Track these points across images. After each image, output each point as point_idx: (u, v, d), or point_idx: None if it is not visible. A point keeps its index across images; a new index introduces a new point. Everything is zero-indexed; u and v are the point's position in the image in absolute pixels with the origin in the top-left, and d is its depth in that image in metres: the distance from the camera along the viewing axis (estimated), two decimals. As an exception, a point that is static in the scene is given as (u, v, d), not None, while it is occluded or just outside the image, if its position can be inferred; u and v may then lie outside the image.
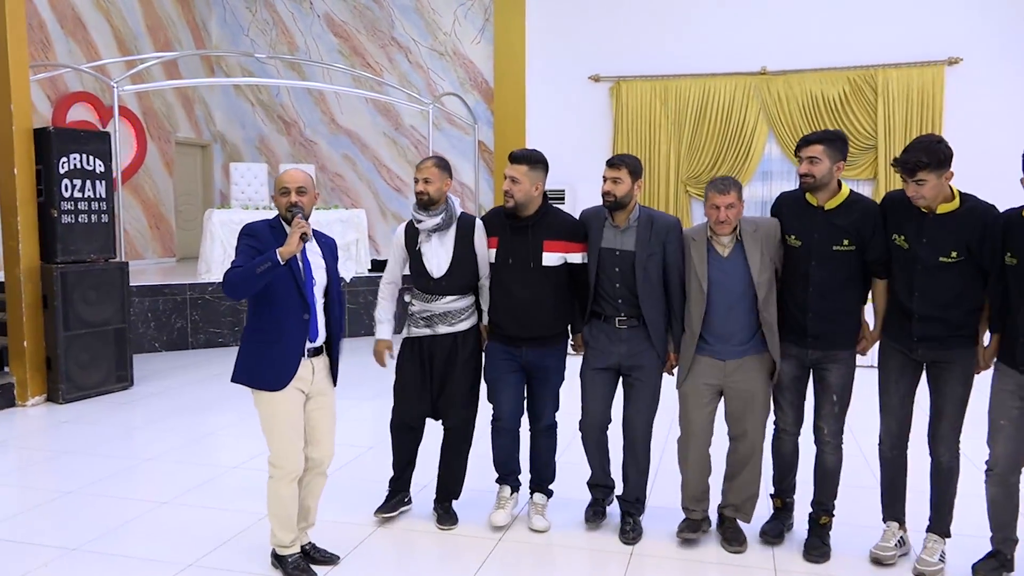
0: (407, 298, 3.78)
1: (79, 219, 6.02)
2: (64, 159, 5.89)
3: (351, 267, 9.04)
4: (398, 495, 3.83)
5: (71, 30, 9.45)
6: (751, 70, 9.79)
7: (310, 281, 3.12)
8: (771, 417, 3.60)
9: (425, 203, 3.57)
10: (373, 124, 11.38)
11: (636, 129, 10.20)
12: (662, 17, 10.07)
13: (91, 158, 6.07)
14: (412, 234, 3.68)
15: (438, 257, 3.58)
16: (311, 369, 3.19)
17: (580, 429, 3.72)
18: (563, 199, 10.08)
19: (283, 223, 3.14)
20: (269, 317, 3.10)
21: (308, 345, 3.15)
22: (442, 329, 3.59)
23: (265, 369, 3.09)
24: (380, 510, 3.79)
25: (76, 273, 5.96)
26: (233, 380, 3.15)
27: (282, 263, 2.95)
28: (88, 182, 6.07)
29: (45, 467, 4.63)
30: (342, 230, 8.96)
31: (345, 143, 11.48)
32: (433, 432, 3.82)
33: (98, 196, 6.15)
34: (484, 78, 10.92)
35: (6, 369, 5.99)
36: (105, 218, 6.21)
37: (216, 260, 8.32)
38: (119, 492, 4.16)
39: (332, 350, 3.30)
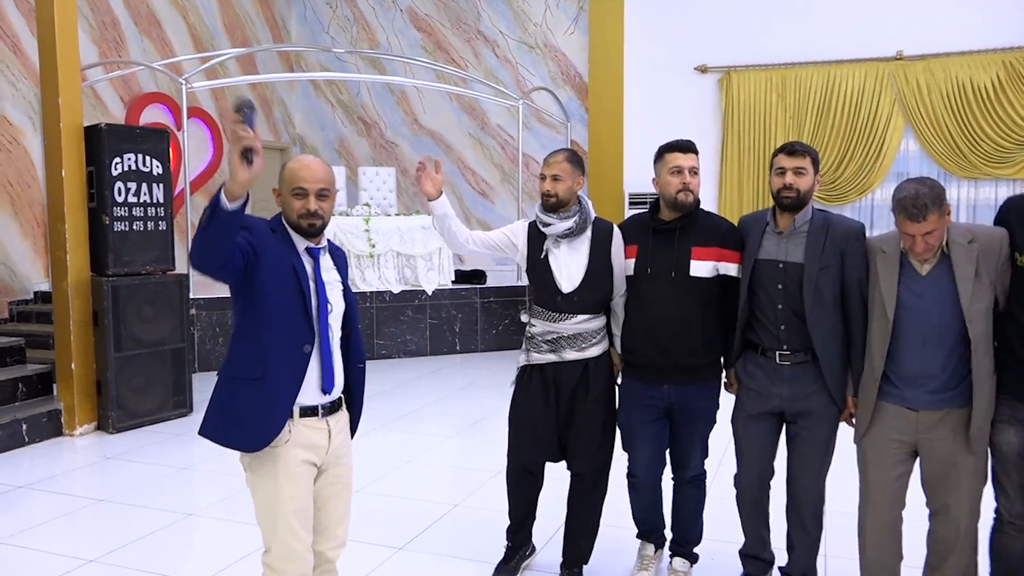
0: (523, 317, 3.18)
1: (134, 226, 5.40)
2: (117, 159, 5.28)
3: (434, 278, 8.26)
4: (519, 550, 3.32)
5: (145, 28, 9.03)
6: (884, 55, 8.61)
7: (324, 305, 2.31)
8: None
9: (553, 205, 3.03)
10: (458, 124, 10.62)
11: (749, 125, 9.13)
12: (779, -2, 8.97)
13: (147, 158, 5.45)
14: (536, 238, 3.11)
15: (568, 268, 3.03)
16: (326, 433, 2.35)
17: (735, 486, 3.09)
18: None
19: (288, 229, 2.33)
20: (252, 342, 2.25)
21: (322, 399, 2.33)
22: (570, 355, 3.02)
23: (238, 418, 2.25)
24: (500, 571, 3.27)
25: (130, 287, 5.34)
26: (201, 433, 2.34)
27: (227, 204, 2.01)
28: (144, 185, 5.44)
29: (81, 521, 3.98)
30: (423, 238, 8.19)
31: (428, 144, 10.76)
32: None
33: (155, 200, 5.52)
34: (578, 72, 10.02)
35: (53, 393, 5.41)
36: (163, 225, 5.58)
37: (289, 270, 7.66)
38: (157, 558, 3.43)
39: (354, 404, 2.48)
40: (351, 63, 10.89)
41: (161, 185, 5.55)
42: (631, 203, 9.41)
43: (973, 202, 8.55)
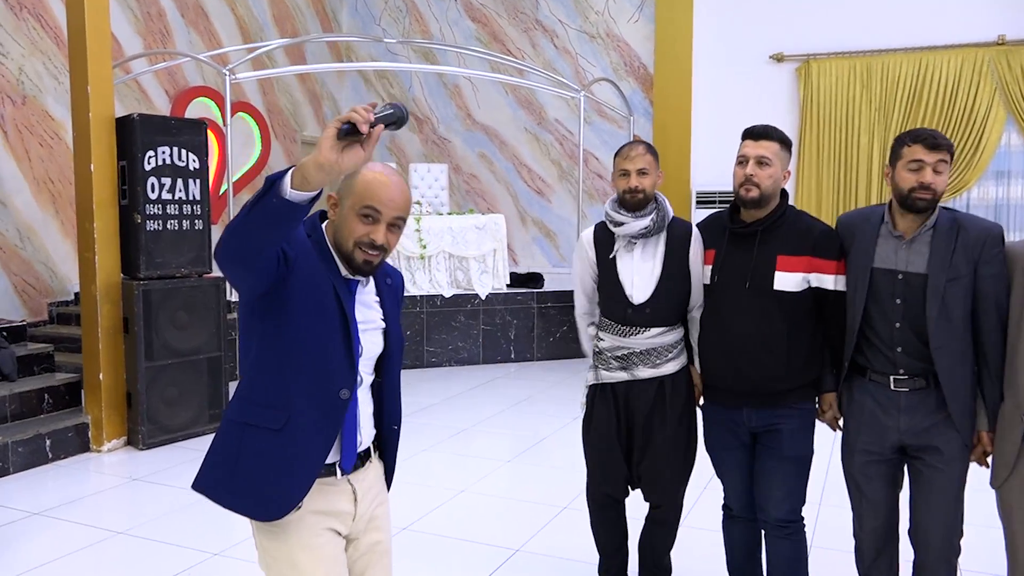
0: (591, 331, 2.91)
1: (168, 225, 5.00)
2: (151, 153, 4.89)
3: (488, 281, 7.75)
4: None
5: (192, 19, 8.71)
6: (984, 40, 7.83)
7: (356, 345, 1.79)
8: None
9: (640, 203, 2.69)
10: (514, 118, 10.10)
11: (830, 117, 8.43)
12: (865, -20, 8.23)
13: (183, 152, 5.04)
14: (604, 243, 2.79)
15: (641, 275, 2.71)
16: (351, 495, 1.84)
17: (855, 536, 2.60)
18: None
19: (329, 245, 1.80)
20: (273, 380, 1.74)
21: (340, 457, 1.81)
22: (643, 372, 2.71)
23: (249, 477, 1.75)
24: None
25: (163, 291, 4.94)
26: (195, 487, 1.83)
27: (288, 190, 1.45)
28: (179, 180, 5.04)
29: (98, 558, 3.56)
30: (478, 238, 7.68)
31: (482, 140, 10.27)
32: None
33: (191, 198, 5.12)
34: (642, 62, 9.40)
35: (81, 405, 5.05)
36: (199, 224, 5.17)
37: (335, 273, 7.24)
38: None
39: (388, 453, 1.97)
40: (403, 55, 10.46)
41: (198, 181, 5.14)
42: (699, 202, 8.78)
43: (1086, 202, 7.71)
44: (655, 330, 2.68)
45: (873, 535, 2.55)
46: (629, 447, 2.78)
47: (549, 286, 8.12)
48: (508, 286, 7.95)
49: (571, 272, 3.02)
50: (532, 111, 10.00)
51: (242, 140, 8.49)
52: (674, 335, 2.73)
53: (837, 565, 3.14)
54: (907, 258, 2.40)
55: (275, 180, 1.45)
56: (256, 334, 1.77)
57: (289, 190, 1.45)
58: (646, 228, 2.67)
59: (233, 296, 6.62)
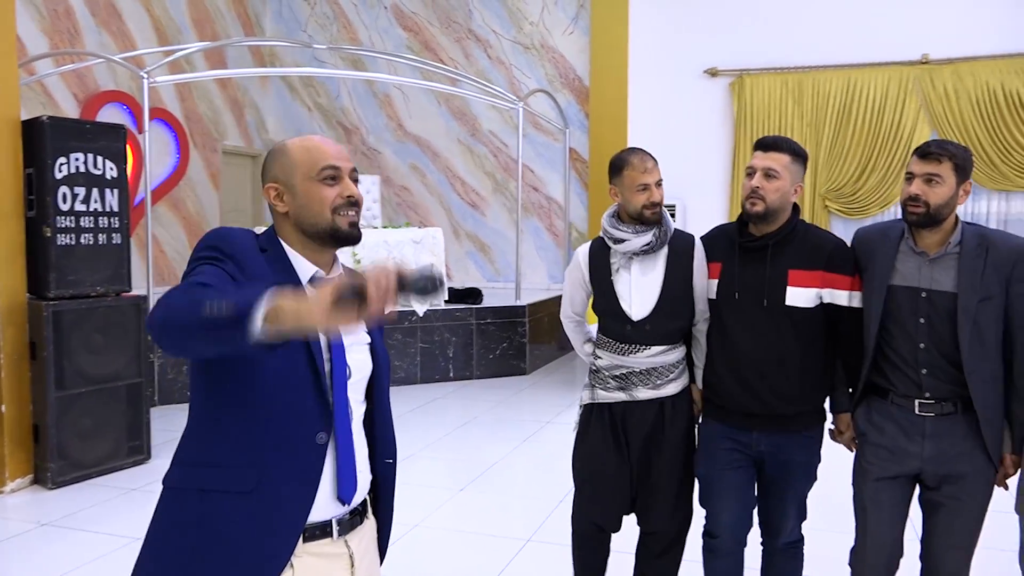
0: (588, 347, 2.78)
1: (82, 240, 4.53)
2: (63, 160, 4.42)
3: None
4: None
5: (104, 19, 8.14)
6: (909, 59, 8.05)
7: (341, 371, 1.52)
8: None
9: (660, 218, 2.57)
10: (447, 129, 9.84)
11: (763, 131, 8.49)
12: (796, -3, 8.36)
13: (99, 159, 4.59)
14: (601, 259, 2.66)
15: (640, 291, 2.57)
16: (347, 561, 1.54)
17: (851, 565, 2.50)
18: (672, 215, 8.38)
19: (288, 250, 1.55)
20: (234, 435, 1.44)
21: (338, 511, 1.53)
22: (642, 393, 2.57)
23: (213, 554, 1.41)
24: None
25: (76, 312, 4.47)
26: None
27: (258, 328, 1.16)
28: (95, 190, 4.58)
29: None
30: (414, 253, 7.38)
31: (414, 152, 9.97)
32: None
33: (108, 209, 4.67)
34: (577, 75, 9.31)
35: (-19, 440, 4.52)
36: (117, 238, 4.71)
37: (263, 289, 6.81)
38: None
39: (382, 510, 1.68)
40: (330, 62, 10.08)
41: (116, 191, 4.69)
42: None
43: (1005, 216, 7.98)
44: (656, 348, 2.56)
45: (877, 565, 2.43)
46: (629, 473, 2.61)
47: (487, 301, 7.89)
48: (447, 302, 7.67)
49: (563, 287, 2.85)
50: (466, 122, 9.78)
51: (158, 149, 7.96)
52: (676, 354, 2.60)
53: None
54: (931, 276, 2.29)
55: (246, 312, 1.16)
56: (202, 384, 1.47)
57: (259, 328, 1.16)
58: (648, 244, 2.54)
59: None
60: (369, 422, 1.62)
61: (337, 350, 1.51)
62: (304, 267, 1.55)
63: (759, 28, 8.46)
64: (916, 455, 2.31)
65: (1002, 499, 2.39)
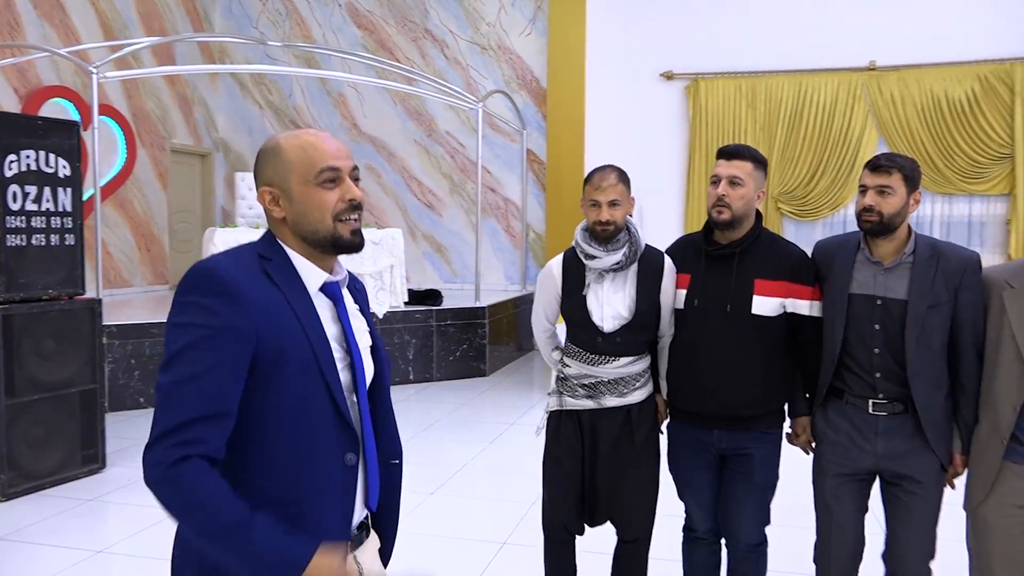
0: (556, 355, 2.79)
1: (33, 240, 4.35)
2: (13, 157, 4.24)
3: (385, 299, 7.36)
4: None
5: (46, 12, 7.84)
6: (857, 65, 8.28)
7: (361, 377, 1.48)
8: None
9: (610, 235, 2.56)
10: (403, 129, 9.76)
11: (717, 135, 8.64)
12: (748, 3, 8.52)
13: (51, 156, 4.41)
14: (574, 272, 2.67)
15: (612, 306, 2.60)
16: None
17: (816, 562, 2.59)
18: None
19: (295, 257, 1.46)
20: (261, 479, 1.37)
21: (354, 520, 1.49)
22: (610, 401, 2.61)
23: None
24: None
25: (27, 315, 4.28)
26: None
27: None
28: (47, 189, 4.40)
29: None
30: (373, 254, 7.29)
31: (369, 152, 9.86)
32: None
33: (61, 209, 4.49)
34: (535, 76, 9.33)
35: (-75, 451, 4.30)
36: (70, 239, 4.54)
37: (219, 292, 6.63)
38: None
39: (388, 520, 1.64)
40: (283, 60, 9.90)
41: (69, 190, 4.51)
42: (594, 217, 8.75)
43: (948, 219, 8.26)
44: (625, 359, 2.60)
45: (841, 560, 2.54)
46: (592, 478, 2.65)
47: (447, 303, 7.84)
48: (406, 303, 7.60)
49: (535, 297, 2.84)
50: (422, 122, 9.71)
51: (104, 147, 7.71)
52: (642, 364, 2.66)
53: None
54: (886, 284, 2.40)
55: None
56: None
57: None
58: (618, 263, 2.57)
59: (114, 320, 5.91)
60: (372, 423, 1.57)
61: (355, 353, 1.47)
62: (312, 274, 1.46)
63: (714, 33, 8.60)
64: (870, 452, 2.43)
65: (958, 494, 2.48)
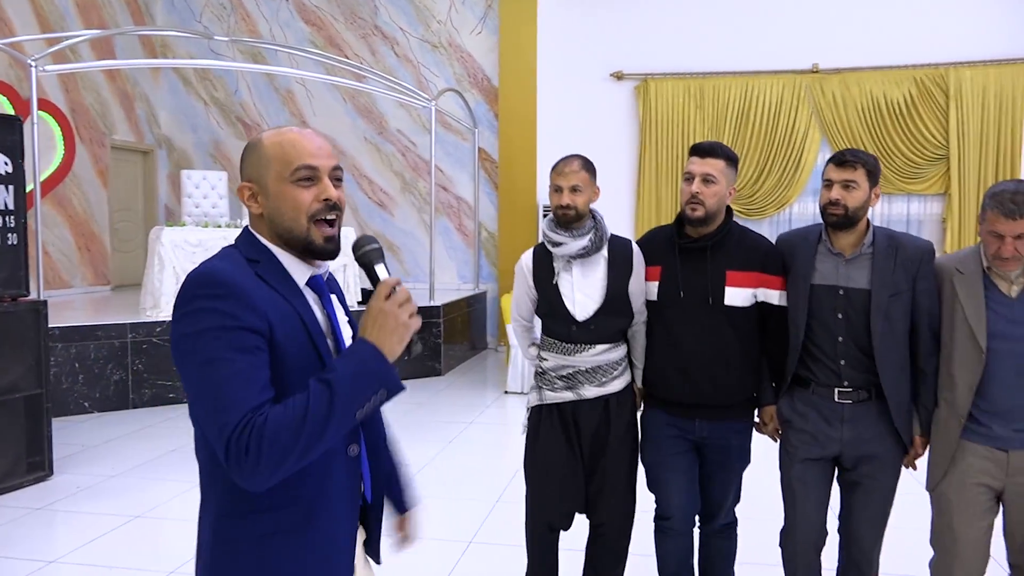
0: (533, 351, 2.83)
1: (-27, 240, 4.18)
2: (-49, 154, 4.06)
3: (337, 299, 7.25)
4: None
5: (-22, 2, 7.53)
6: (801, 68, 8.49)
7: None
8: None
9: (571, 219, 2.63)
10: (353, 127, 9.65)
11: (666, 135, 8.77)
12: (696, 5, 8.66)
13: (-7, 153, 4.24)
14: (543, 263, 2.73)
15: (583, 293, 2.66)
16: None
17: (781, 545, 2.71)
18: (581, 216, 8.52)
19: (281, 253, 1.44)
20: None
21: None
22: (589, 392, 2.66)
23: None
24: None
25: (-32, 318, 4.11)
26: None
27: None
28: (-12, 187, 4.23)
29: None
30: (326, 253, 7.17)
31: (318, 150, 9.69)
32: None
33: (4, 207, 4.32)
34: (486, 74, 9.32)
35: None
36: (13, 239, 4.37)
37: (166, 292, 6.47)
38: None
39: (376, 509, 1.63)
40: (228, 55, 9.69)
41: (11, 187, 4.35)
42: (546, 215, 8.79)
43: (887, 217, 8.54)
44: (600, 347, 2.65)
45: (806, 542, 2.64)
46: (581, 469, 2.70)
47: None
48: (360, 303, 7.51)
49: (515, 293, 2.86)
50: (372, 120, 9.61)
51: (41, 143, 7.42)
52: (619, 352, 2.70)
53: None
54: (848, 274, 2.49)
55: (396, 390, 1.39)
56: None
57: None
58: (584, 248, 2.63)
59: (56, 322, 5.70)
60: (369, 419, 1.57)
61: (342, 347, 1.46)
62: (299, 271, 1.46)
63: (663, 34, 8.72)
64: (836, 439, 2.52)
65: (911, 481, 2.58)
